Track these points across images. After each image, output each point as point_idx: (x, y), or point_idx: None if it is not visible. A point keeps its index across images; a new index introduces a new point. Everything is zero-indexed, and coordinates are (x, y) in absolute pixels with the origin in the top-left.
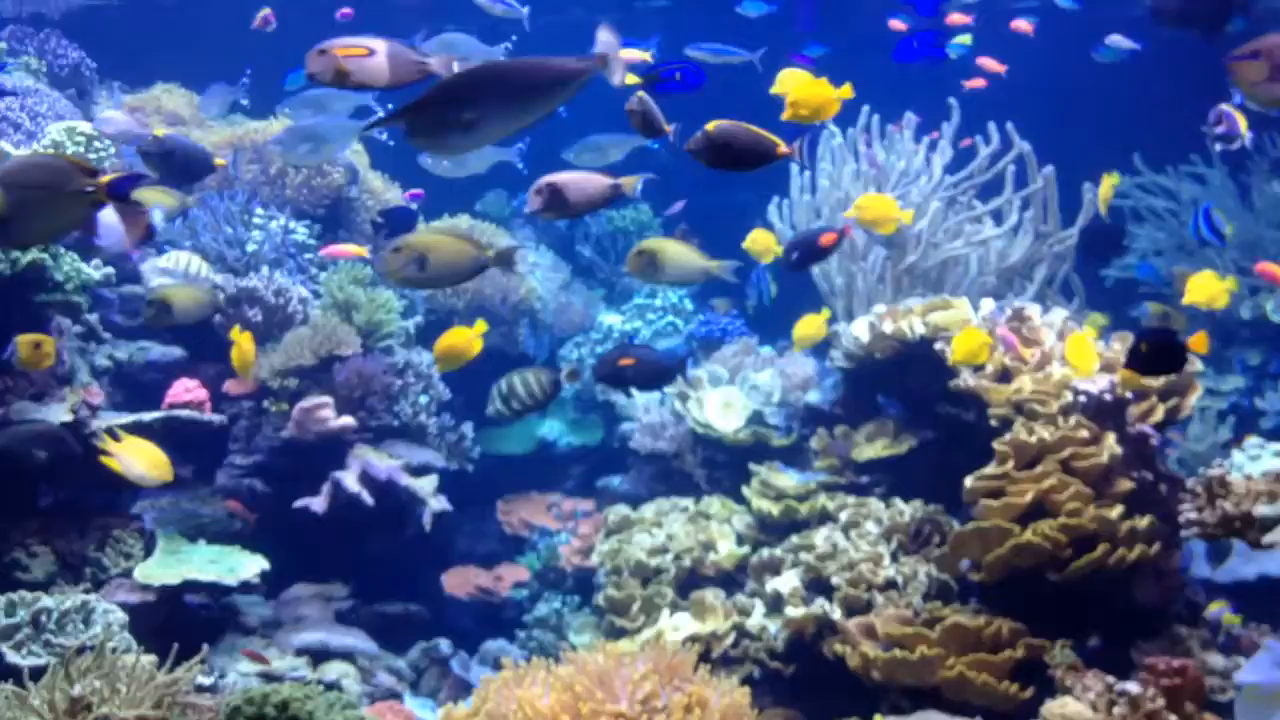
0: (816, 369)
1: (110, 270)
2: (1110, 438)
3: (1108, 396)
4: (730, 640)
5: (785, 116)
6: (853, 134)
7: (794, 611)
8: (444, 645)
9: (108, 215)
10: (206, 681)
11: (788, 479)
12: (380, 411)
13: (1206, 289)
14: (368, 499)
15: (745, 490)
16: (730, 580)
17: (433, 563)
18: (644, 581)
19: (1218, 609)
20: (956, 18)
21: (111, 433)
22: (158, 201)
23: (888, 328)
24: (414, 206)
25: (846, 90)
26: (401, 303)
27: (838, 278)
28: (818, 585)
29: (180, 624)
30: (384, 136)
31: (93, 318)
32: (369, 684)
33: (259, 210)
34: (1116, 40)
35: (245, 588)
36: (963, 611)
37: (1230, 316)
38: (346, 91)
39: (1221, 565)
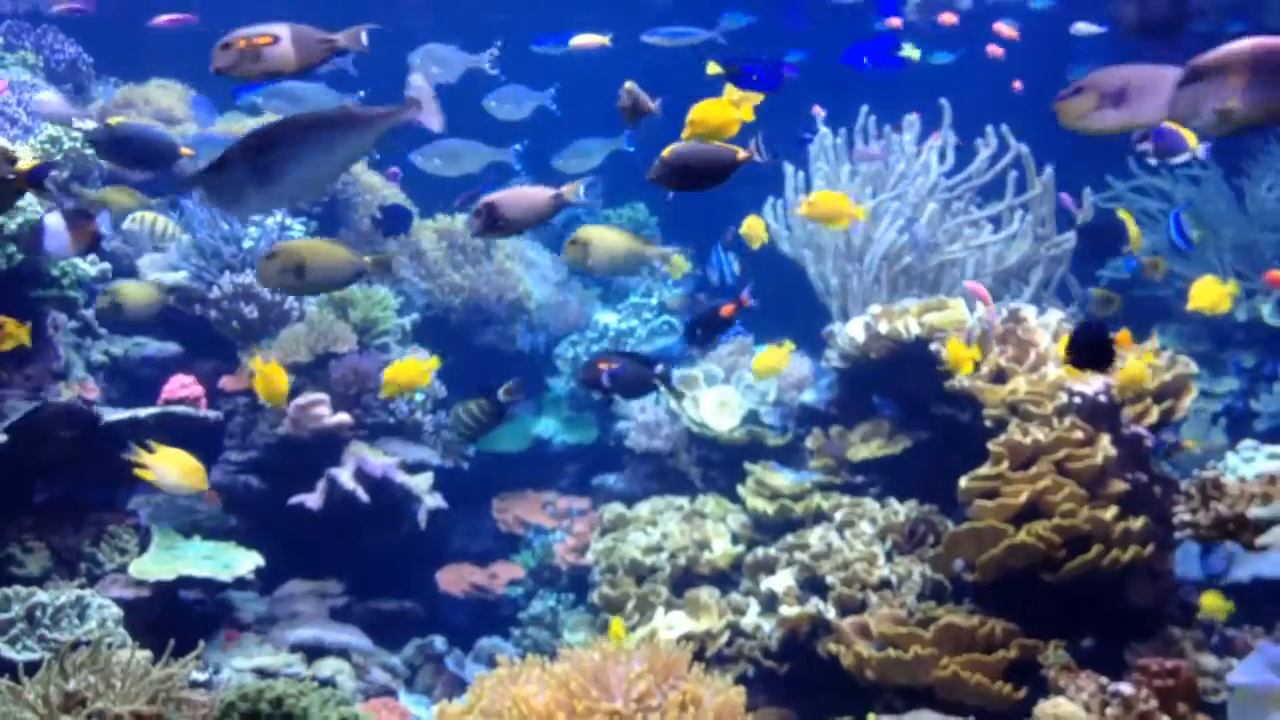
0: (812, 369)
1: (106, 266)
2: (1105, 439)
3: (1102, 398)
4: (725, 639)
5: (684, 135)
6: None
7: (788, 610)
8: (439, 642)
9: (53, 221)
10: (201, 677)
11: (783, 478)
12: (376, 409)
13: (1209, 294)
14: (363, 496)
15: (740, 489)
16: (725, 579)
17: (428, 560)
18: (639, 580)
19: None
20: (946, 17)
21: (144, 444)
22: (116, 202)
23: (883, 328)
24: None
25: (747, 112)
26: (398, 300)
27: (833, 278)
28: (812, 584)
29: (175, 620)
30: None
31: (88, 313)
32: (364, 680)
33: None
34: (1081, 28)
35: (240, 584)
36: (957, 612)
37: (1226, 319)
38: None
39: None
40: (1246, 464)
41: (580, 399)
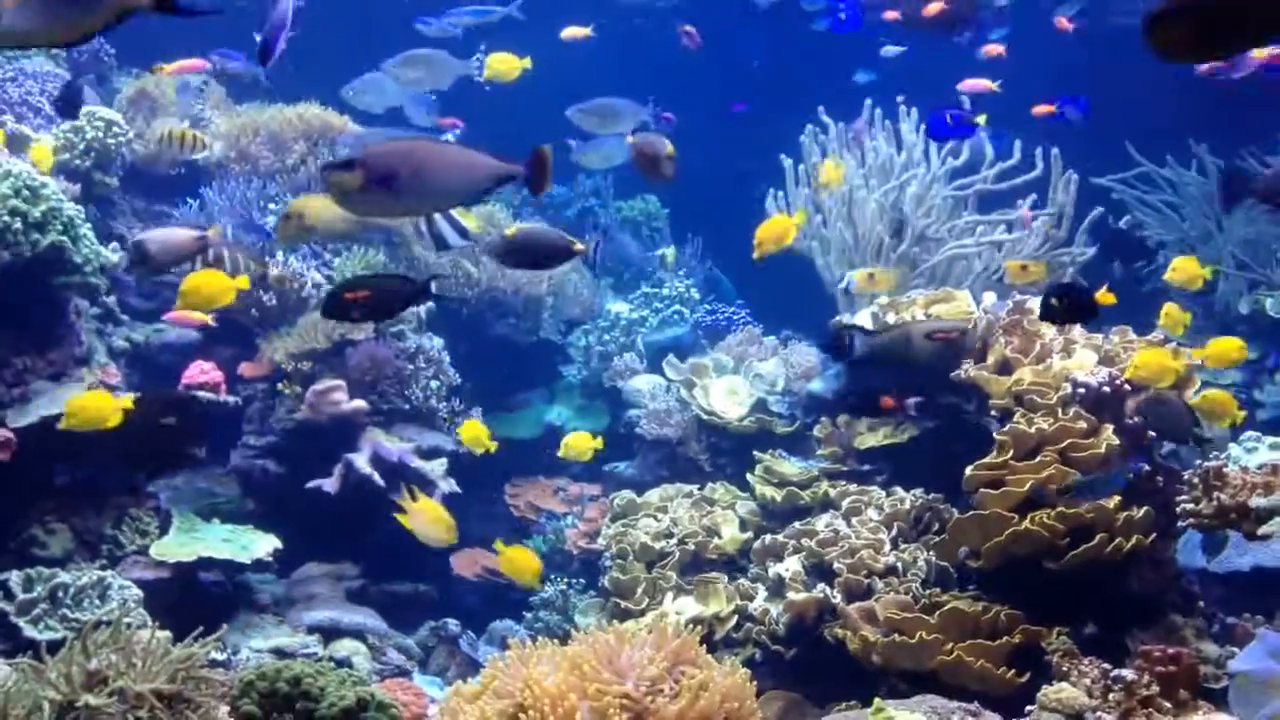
0: (820, 358)
1: None
2: (1108, 429)
3: (1106, 389)
4: (733, 623)
5: (755, 256)
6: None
7: (795, 596)
8: (452, 624)
9: None
10: (220, 657)
11: (791, 466)
12: (391, 395)
13: (1186, 270)
14: (379, 480)
15: (749, 477)
16: (733, 564)
17: None
18: (649, 565)
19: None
20: (932, 8)
21: (411, 492)
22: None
23: (891, 319)
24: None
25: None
26: None
27: (838, 269)
28: (819, 570)
29: (194, 601)
30: None
31: (110, 300)
32: (379, 661)
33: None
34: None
35: (258, 566)
36: (961, 598)
37: (1229, 311)
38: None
39: (1217, 556)
40: (1249, 454)
41: (592, 387)
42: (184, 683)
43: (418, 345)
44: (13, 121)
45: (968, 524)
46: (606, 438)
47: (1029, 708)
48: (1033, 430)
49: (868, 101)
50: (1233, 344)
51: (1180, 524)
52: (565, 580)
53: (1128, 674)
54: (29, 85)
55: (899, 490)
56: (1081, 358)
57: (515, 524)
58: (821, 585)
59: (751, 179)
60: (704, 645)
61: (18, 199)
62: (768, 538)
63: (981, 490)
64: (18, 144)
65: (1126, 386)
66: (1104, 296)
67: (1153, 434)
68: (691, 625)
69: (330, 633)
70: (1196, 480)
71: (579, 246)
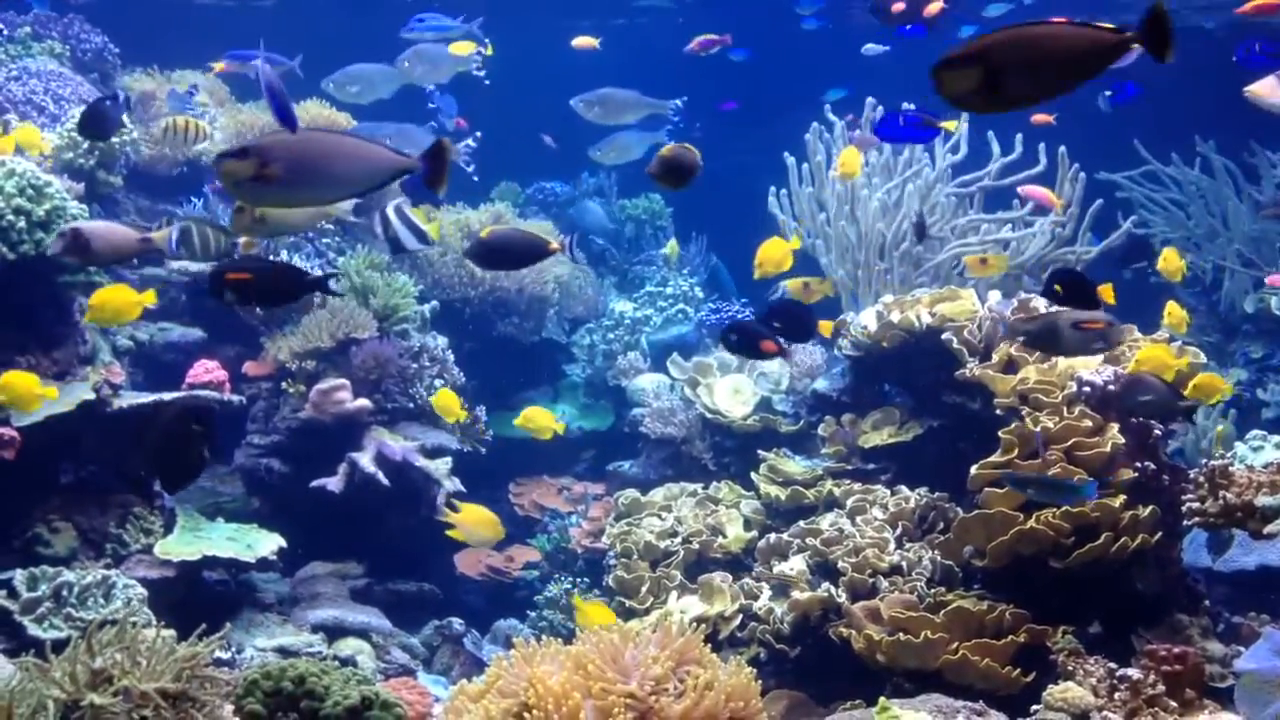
0: (824, 357)
1: None
2: (1113, 428)
3: (1111, 387)
4: (737, 622)
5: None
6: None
7: (800, 595)
8: (456, 624)
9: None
10: (224, 656)
11: (795, 465)
12: (396, 394)
13: (1169, 262)
14: (383, 479)
15: (753, 476)
16: (738, 564)
17: (446, 543)
18: (653, 564)
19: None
20: (933, 7)
21: (451, 505)
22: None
23: (895, 317)
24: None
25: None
26: (418, 288)
27: (839, 269)
28: (824, 569)
29: (198, 600)
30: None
31: None
32: (383, 660)
33: None
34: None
35: (263, 565)
36: (966, 597)
37: (1234, 310)
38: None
39: (1222, 555)
40: (1255, 453)
41: (597, 386)
42: (188, 682)
43: (422, 344)
44: (17, 120)
45: (973, 523)
46: (611, 437)
47: (1034, 707)
48: (1037, 429)
49: (870, 100)
50: (1216, 379)
51: (1186, 523)
52: (570, 579)
53: (1133, 673)
54: (33, 84)
55: (904, 489)
56: (1086, 356)
57: (520, 523)
58: (826, 584)
59: (755, 175)
60: (708, 644)
61: (22, 198)
62: (772, 537)
63: (986, 489)
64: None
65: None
66: (1104, 292)
67: (1141, 417)
68: (696, 624)
69: (334, 632)
70: (1202, 479)
71: (554, 245)
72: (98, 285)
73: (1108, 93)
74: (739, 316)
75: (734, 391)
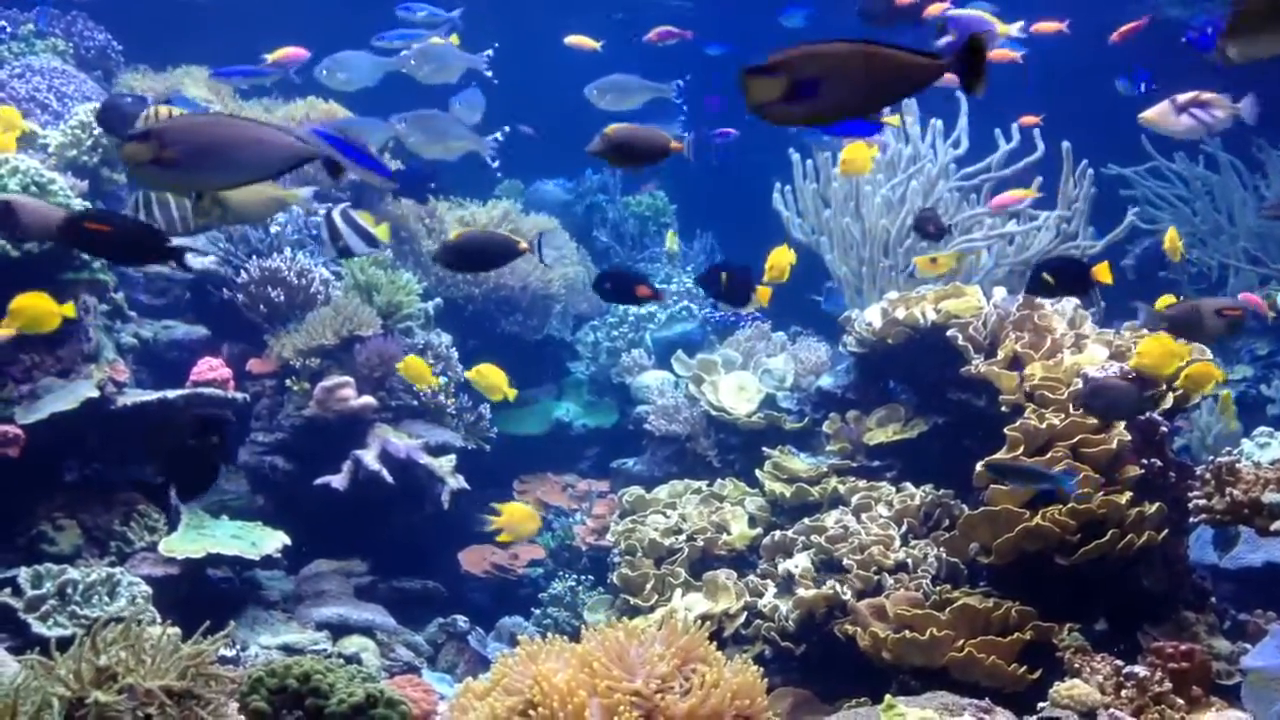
0: (829, 354)
1: None
2: (1119, 425)
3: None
4: (742, 620)
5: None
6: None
7: (805, 592)
8: (461, 621)
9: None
10: (229, 653)
11: (800, 462)
12: (400, 391)
13: (1171, 241)
14: (387, 477)
15: (758, 473)
16: (742, 561)
17: (450, 540)
18: (657, 561)
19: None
20: (935, 8)
21: (492, 510)
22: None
23: (900, 314)
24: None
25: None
26: (421, 285)
27: (842, 266)
28: (829, 567)
29: (203, 597)
30: None
31: (119, 296)
32: (388, 658)
33: None
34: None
35: (267, 562)
36: (972, 594)
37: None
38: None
39: (1229, 552)
40: (1261, 449)
41: (601, 384)
42: (193, 679)
43: (426, 341)
44: (20, 117)
45: (978, 520)
46: (615, 434)
47: (1041, 704)
48: (1044, 426)
49: None
50: (1210, 368)
51: (1192, 520)
52: (574, 576)
53: (1140, 670)
54: (35, 81)
55: (909, 486)
56: (1093, 353)
57: None
58: (831, 581)
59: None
60: (713, 642)
61: (26, 195)
62: (777, 534)
63: (992, 486)
64: (26, 139)
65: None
66: (1100, 271)
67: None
68: (700, 622)
69: (339, 629)
70: (1209, 476)
71: (523, 245)
72: (102, 284)
73: (1136, 86)
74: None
75: (739, 388)
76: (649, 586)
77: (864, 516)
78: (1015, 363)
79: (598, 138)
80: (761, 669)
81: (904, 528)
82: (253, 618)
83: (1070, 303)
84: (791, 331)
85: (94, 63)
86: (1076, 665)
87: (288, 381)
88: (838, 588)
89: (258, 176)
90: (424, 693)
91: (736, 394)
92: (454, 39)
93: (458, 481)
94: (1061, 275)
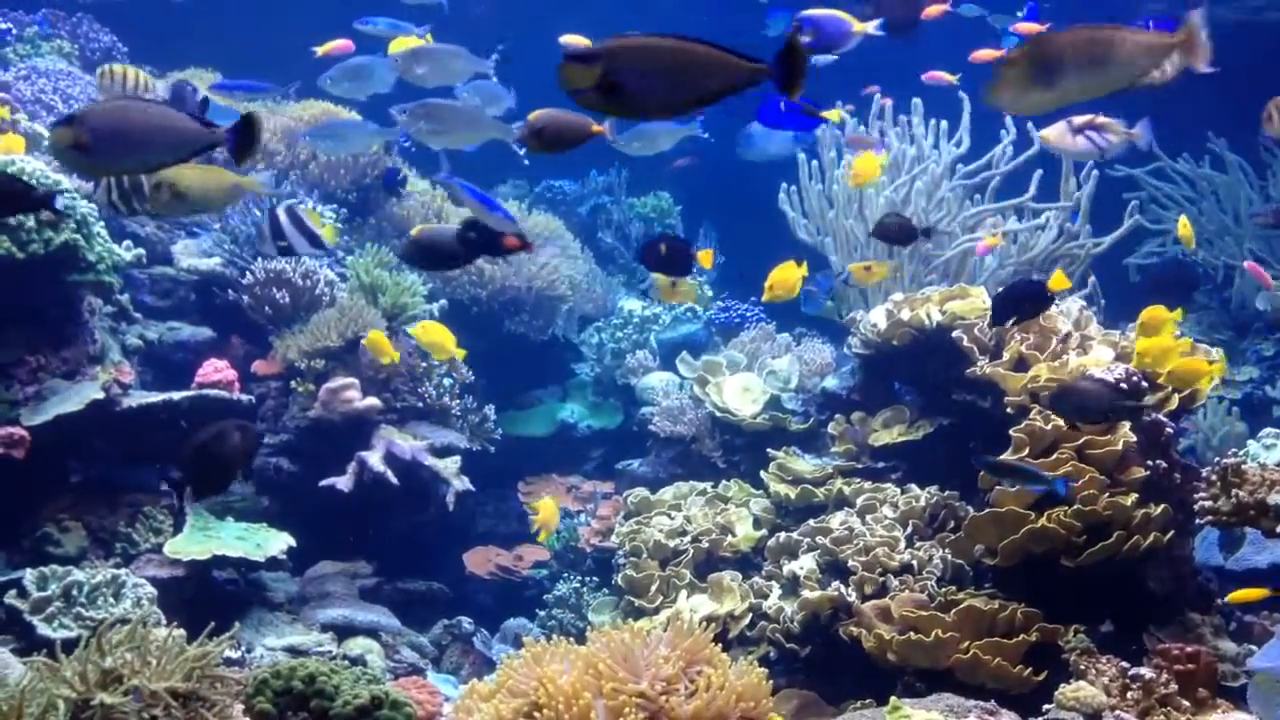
0: (834, 355)
1: (141, 251)
2: (1125, 426)
3: (1123, 385)
4: (747, 621)
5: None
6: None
7: (810, 594)
8: (466, 623)
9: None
10: (234, 655)
11: (805, 464)
12: (405, 393)
13: (1184, 228)
14: (392, 479)
15: (763, 474)
16: (747, 562)
17: (455, 542)
18: (662, 563)
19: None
20: (932, 10)
21: (532, 510)
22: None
23: (905, 315)
24: None
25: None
26: (427, 286)
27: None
28: (834, 568)
29: (208, 599)
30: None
31: (124, 298)
32: (393, 659)
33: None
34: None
35: (272, 564)
36: (977, 596)
37: (1245, 308)
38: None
39: (1234, 553)
40: (1267, 451)
41: (605, 385)
42: (198, 681)
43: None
44: (26, 120)
45: (984, 521)
46: (619, 435)
47: (1046, 706)
48: (1049, 427)
49: (875, 92)
50: (1197, 364)
51: (1198, 521)
52: (579, 578)
53: (1146, 672)
54: (41, 83)
55: (914, 488)
56: (1098, 354)
57: (528, 521)
58: (836, 583)
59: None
60: (717, 643)
61: None
62: (782, 535)
63: (997, 488)
64: (33, 142)
65: (1144, 383)
66: (1056, 281)
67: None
68: (705, 623)
69: (344, 631)
70: (1214, 477)
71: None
72: (107, 285)
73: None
74: (746, 313)
75: (743, 390)
76: (654, 588)
77: (869, 518)
78: (1020, 364)
79: (522, 124)
80: (766, 670)
81: (909, 529)
82: (258, 619)
83: (1075, 304)
84: (796, 333)
85: (99, 64)
86: (1082, 667)
87: (293, 383)
88: (843, 589)
89: (166, 161)
90: (429, 694)
91: (741, 395)
92: (429, 38)
93: (462, 483)
94: (1021, 304)
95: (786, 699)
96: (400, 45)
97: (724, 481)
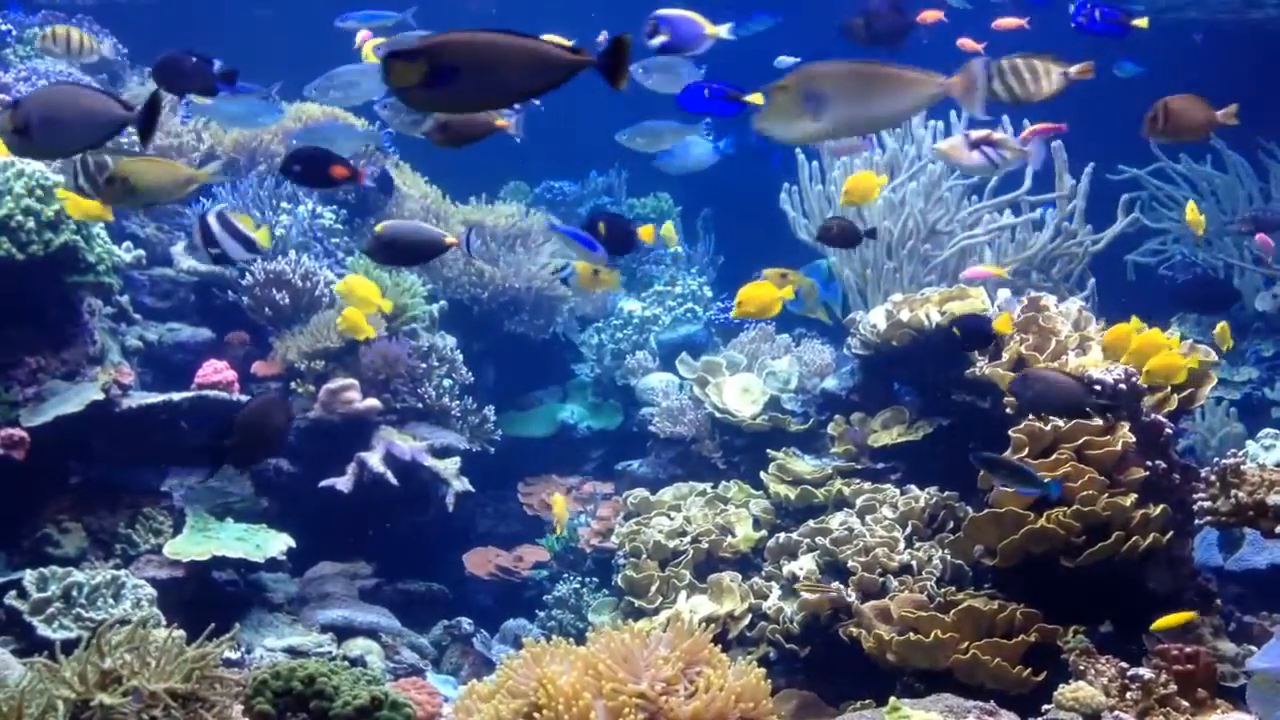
0: (834, 356)
1: (141, 253)
2: (1124, 427)
3: (1122, 385)
4: (746, 622)
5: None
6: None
7: (810, 594)
8: (465, 623)
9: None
10: (234, 656)
11: (805, 464)
12: (404, 394)
13: (1192, 214)
14: (392, 479)
15: (763, 475)
16: (747, 563)
17: (454, 542)
18: (662, 564)
19: None
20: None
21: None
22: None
23: (905, 316)
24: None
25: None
26: (426, 288)
27: (846, 269)
28: (834, 569)
29: (208, 600)
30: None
31: (124, 299)
32: (392, 660)
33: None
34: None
35: (272, 565)
36: (977, 596)
37: (1244, 309)
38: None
39: (1234, 554)
40: (1266, 451)
41: (605, 385)
42: (198, 682)
43: (431, 344)
44: None
45: (983, 522)
46: (619, 436)
47: (1046, 707)
48: (1048, 428)
49: None
50: (1174, 358)
51: (1197, 522)
52: (579, 579)
53: (1145, 673)
54: (40, 85)
55: (913, 488)
56: (1097, 355)
57: (528, 522)
58: (836, 584)
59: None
60: (717, 644)
61: (31, 198)
62: (782, 536)
63: (997, 488)
64: None
65: (1143, 384)
66: (1002, 324)
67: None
68: (705, 624)
69: (344, 632)
70: (1214, 478)
71: (450, 240)
72: (107, 286)
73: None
74: None
75: (743, 390)
76: (654, 589)
77: (868, 519)
78: (1020, 364)
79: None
80: (766, 671)
81: (909, 530)
82: (257, 620)
83: (1075, 304)
84: (796, 333)
85: (99, 65)
86: (1081, 667)
87: (292, 384)
88: (842, 590)
89: (90, 143)
90: (429, 695)
91: (741, 396)
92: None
93: (462, 484)
94: (970, 338)
95: (786, 699)
96: (372, 48)
97: (724, 482)
